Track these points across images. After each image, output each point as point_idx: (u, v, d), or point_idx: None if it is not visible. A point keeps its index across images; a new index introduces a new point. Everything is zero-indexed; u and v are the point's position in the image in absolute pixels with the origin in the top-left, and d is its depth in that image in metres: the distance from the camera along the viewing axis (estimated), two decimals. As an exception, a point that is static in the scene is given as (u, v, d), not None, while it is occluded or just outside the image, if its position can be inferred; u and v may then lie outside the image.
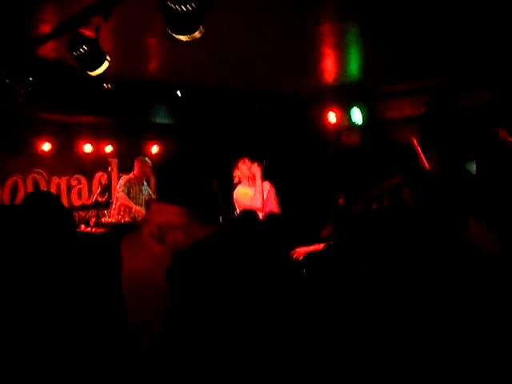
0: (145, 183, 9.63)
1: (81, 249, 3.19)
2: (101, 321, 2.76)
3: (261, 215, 6.89)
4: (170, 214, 2.50)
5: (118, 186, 9.58)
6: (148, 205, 8.57)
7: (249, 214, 4.83)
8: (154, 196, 9.42)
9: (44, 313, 2.78)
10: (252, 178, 7.25)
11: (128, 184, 9.30)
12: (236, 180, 7.42)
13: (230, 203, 7.39)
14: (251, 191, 7.24)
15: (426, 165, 6.68)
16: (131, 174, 9.44)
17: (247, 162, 7.30)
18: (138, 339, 2.54)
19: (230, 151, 8.35)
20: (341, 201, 6.83)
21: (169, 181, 2.64)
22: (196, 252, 2.42)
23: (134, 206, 9.16)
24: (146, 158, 9.65)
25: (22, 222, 3.20)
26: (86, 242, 3.24)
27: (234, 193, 7.38)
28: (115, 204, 9.59)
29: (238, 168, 7.37)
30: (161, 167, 2.73)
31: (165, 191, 2.63)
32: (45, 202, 3.31)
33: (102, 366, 2.73)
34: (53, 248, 3.04)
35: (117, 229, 5.63)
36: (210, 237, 2.52)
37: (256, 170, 7.18)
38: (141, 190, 9.45)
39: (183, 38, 4.04)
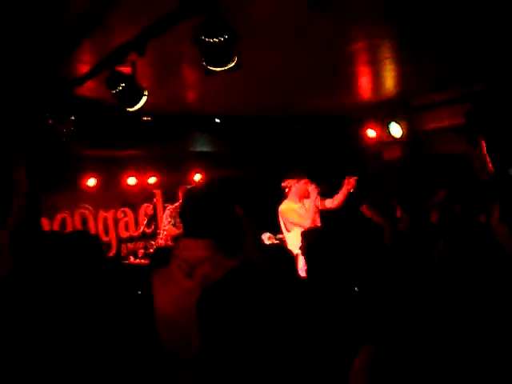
0: None
1: (124, 281, 3.27)
2: (137, 349, 2.86)
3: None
4: (196, 249, 2.57)
5: (164, 218, 9.66)
6: (176, 240, 8.64)
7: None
8: None
9: (80, 340, 2.88)
10: (305, 197, 7.37)
11: (174, 214, 9.36)
12: (286, 191, 7.49)
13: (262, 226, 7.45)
14: (300, 209, 7.33)
15: (491, 169, 6.48)
16: (177, 204, 9.51)
17: (306, 180, 7.42)
18: (175, 366, 2.62)
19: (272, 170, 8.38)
20: (398, 213, 6.66)
21: (191, 216, 2.70)
22: (225, 283, 2.47)
23: (183, 236, 9.17)
24: (189, 186, 9.71)
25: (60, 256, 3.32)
26: (132, 274, 3.32)
27: (281, 207, 7.42)
28: (162, 234, 9.68)
29: (294, 182, 7.45)
30: (182, 203, 2.79)
31: (189, 226, 2.70)
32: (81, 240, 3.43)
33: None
34: (86, 280, 3.15)
35: (158, 252, 5.70)
36: (239, 268, 2.57)
37: (313, 190, 7.30)
38: None
39: (218, 69, 4.09)
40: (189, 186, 9.55)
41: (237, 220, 2.85)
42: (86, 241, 3.50)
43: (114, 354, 2.94)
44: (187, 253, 2.61)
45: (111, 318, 3.05)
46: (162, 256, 4.91)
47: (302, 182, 7.40)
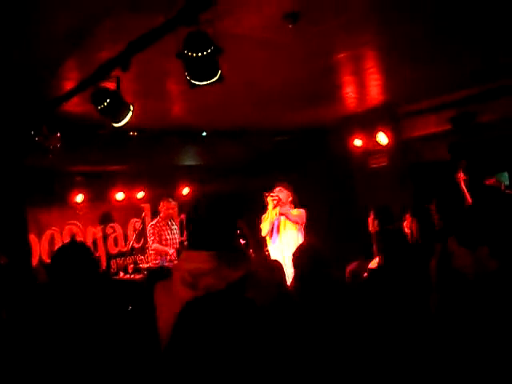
0: (173, 223, 9.54)
1: (117, 295, 3.26)
2: (140, 362, 2.84)
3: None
4: (200, 261, 2.57)
5: (148, 237, 9.46)
6: (179, 253, 8.51)
7: None
8: (180, 235, 9.43)
9: (79, 358, 2.86)
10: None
11: (157, 229, 9.15)
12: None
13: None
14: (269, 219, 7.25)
15: (469, 199, 6.58)
16: (158, 218, 9.35)
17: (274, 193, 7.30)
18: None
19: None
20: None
21: (195, 228, 2.71)
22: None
23: (171, 250, 9.03)
24: (170, 199, 9.49)
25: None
26: (124, 289, 3.31)
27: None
28: (149, 253, 9.60)
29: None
30: (186, 218, 2.79)
31: (192, 238, 2.71)
32: (73, 254, 3.39)
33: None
34: (84, 296, 3.13)
35: (152, 274, 5.67)
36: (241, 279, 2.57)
37: (271, 202, 7.16)
38: (171, 230, 9.30)
39: (202, 83, 4.10)
40: (169, 199, 9.42)
41: (240, 233, 2.87)
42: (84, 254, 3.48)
43: (116, 371, 2.92)
44: (191, 265, 2.60)
45: (108, 333, 3.04)
46: (157, 277, 4.88)
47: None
